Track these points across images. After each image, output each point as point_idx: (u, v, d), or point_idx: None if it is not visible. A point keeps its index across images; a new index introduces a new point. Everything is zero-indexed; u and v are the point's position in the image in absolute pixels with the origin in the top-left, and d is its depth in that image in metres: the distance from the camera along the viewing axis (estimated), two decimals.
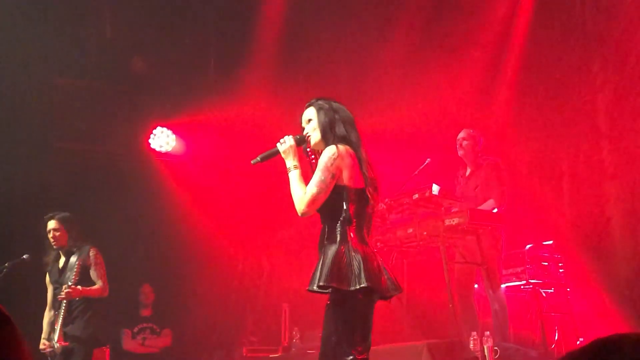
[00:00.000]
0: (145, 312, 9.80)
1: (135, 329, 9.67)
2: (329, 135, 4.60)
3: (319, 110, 4.70)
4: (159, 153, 10.36)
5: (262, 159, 4.74)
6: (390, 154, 8.90)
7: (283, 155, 4.66)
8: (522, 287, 7.74)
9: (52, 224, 7.19)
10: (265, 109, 9.68)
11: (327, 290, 4.46)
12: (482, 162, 7.81)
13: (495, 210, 7.49)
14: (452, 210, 7.24)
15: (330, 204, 4.49)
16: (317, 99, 4.78)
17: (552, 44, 8.85)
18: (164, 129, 10.36)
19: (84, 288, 7.03)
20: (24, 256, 7.45)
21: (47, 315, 7.29)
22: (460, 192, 7.80)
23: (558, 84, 8.72)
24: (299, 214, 4.55)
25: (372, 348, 4.53)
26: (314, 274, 4.50)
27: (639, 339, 1.03)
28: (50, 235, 7.17)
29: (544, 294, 7.71)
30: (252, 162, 4.76)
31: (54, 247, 7.20)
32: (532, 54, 8.95)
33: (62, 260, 7.25)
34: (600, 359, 1.00)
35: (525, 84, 9.02)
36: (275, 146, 4.68)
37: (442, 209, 7.27)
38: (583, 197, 8.46)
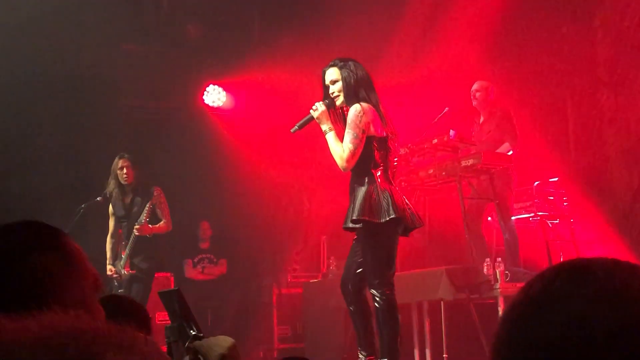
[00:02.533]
0: (204, 245, 9.92)
1: (196, 259, 9.81)
2: (352, 97, 4.68)
3: (342, 72, 4.71)
4: (212, 107, 10.37)
5: (300, 127, 4.84)
6: (413, 105, 8.88)
7: (317, 121, 4.73)
8: (530, 219, 7.72)
9: (124, 162, 7.41)
10: (302, 69, 9.57)
11: (359, 225, 4.61)
12: (494, 110, 7.75)
13: (510, 153, 7.49)
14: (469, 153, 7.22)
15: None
16: (340, 60, 4.79)
17: None
18: (216, 87, 10.33)
19: (154, 226, 7.35)
20: (98, 198, 7.67)
21: (110, 242, 7.56)
22: (476, 137, 7.77)
23: (563, 37, 8.54)
24: (342, 169, 4.65)
25: (397, 274, 4.74)
26: (348, 213, 4.67)
27: (611, 263, 0.96)
28: (123, 172, 7.36)
29: (550, 225, 7.70)
30: (291, 130, 4.86)
31: (124, 182, 7.39)
32: (538, 8, 8.72)
33: (129, 197, 7.45)
34: (573, 282, 0.92)
35: (531, 37, 8.79)
36: (309, 113, 4.76)
37: (459, 151, 7.26)
38: (585, 138, 8.40)
